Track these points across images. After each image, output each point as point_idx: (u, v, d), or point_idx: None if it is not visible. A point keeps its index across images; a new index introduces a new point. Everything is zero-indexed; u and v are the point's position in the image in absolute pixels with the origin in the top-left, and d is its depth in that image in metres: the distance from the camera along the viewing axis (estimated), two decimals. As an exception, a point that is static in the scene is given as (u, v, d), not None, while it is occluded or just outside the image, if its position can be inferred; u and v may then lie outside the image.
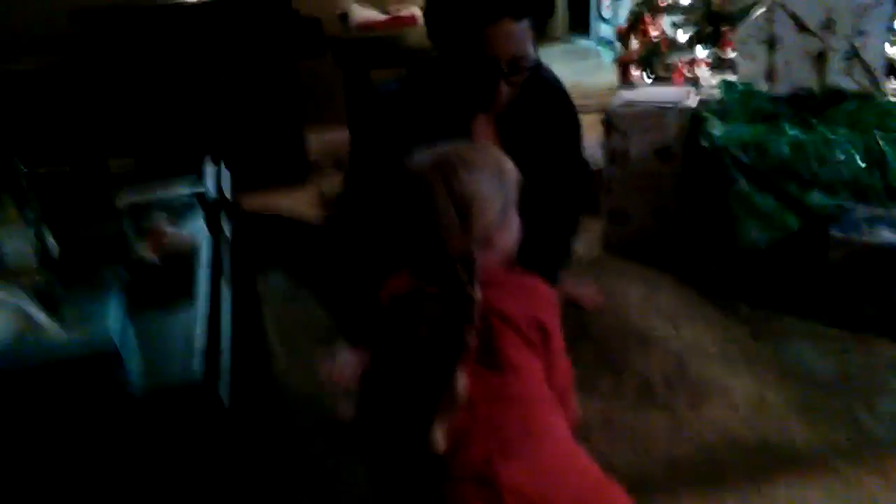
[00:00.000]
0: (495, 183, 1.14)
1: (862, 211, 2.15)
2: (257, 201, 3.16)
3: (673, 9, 3.43)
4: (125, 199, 1.59)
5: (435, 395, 1.05)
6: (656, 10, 3.52)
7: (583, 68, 4.86)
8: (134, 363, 1.08)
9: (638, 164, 2.55)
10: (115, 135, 3.01)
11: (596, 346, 2.05)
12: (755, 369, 1.93)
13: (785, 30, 2.49)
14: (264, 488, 1.45)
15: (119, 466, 1.03)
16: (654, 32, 3.55)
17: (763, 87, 2.54)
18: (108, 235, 1.44)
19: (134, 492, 1.04)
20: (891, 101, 2.40)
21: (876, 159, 2.20)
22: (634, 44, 3.69)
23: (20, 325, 1.08)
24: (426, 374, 1.07)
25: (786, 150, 2.24)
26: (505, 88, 1.59)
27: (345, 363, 1.84)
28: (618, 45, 4.04)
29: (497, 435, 1.10)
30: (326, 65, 3.55)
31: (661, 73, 3.46)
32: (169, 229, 1.45)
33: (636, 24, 3.65)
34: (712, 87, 2.75)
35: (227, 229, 1.61)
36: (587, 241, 2.58)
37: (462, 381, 1.06)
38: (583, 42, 5.80)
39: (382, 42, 3.46)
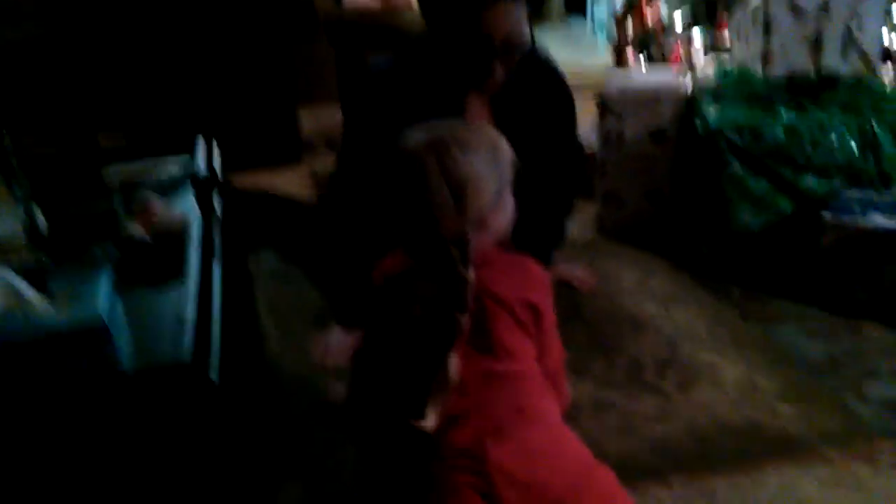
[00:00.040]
0: (490, 163, 1.13)
1: (855, 195, 2.15)
2: (249, 180, 3.14)
3: (669, -9, 3.42)
4: (116, 177, 1.58)
5: (427, 377, 1.05)
6: (653, -7, 3.51)
7: (578, 50, 4.84)
8: (123, 341, 1.07)
9: (632, 147, 2.54)
10: (106, 110, 2.97)
11: (588, 328, 2.05)
12: (746, 353, 1.94)
13: (781, 13, 2.47)
14: (254, 468, 1.45)
15: (107, 443, 1.03)
16: (650, 15, 3.53)
17: (758, 70, 2.53)
18: (98, 213, 1.43)
19: (122, 469, 1.04)
20: (886, 86, 2.39)
21: (870, 144, 2.20)
22: (630, 26, 3.68)
23: (9, 301, 1.07)
24: (419, 356, 1.06)
25: (780, 133, 2.23)
26: (499, 68, 1.58)
27: (337, 344, 1.84)
28: (613, 27, 4.02)
29: (488, 417, 1.10)
30: (319, 44, 3.52)
31: (657, 57, 3.45)
32: (159, 207, 1.44)
33: (632, 6, 3.63)
34: (708, 70, 2.74)
35: (217, 208, 1.60)
36: (581, 223, 2.58)
37: (454, 364, 1.05)
38: (579, 24, 5.78)
39: (376, 21, 3.43)
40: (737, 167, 2.27)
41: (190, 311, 1.17)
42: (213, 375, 1.09)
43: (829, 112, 2.27)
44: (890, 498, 1.47)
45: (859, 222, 2.06)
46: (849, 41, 2.46)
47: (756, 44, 2.55)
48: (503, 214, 1.17)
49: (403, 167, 1.12)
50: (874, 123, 2.20)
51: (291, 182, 3.19)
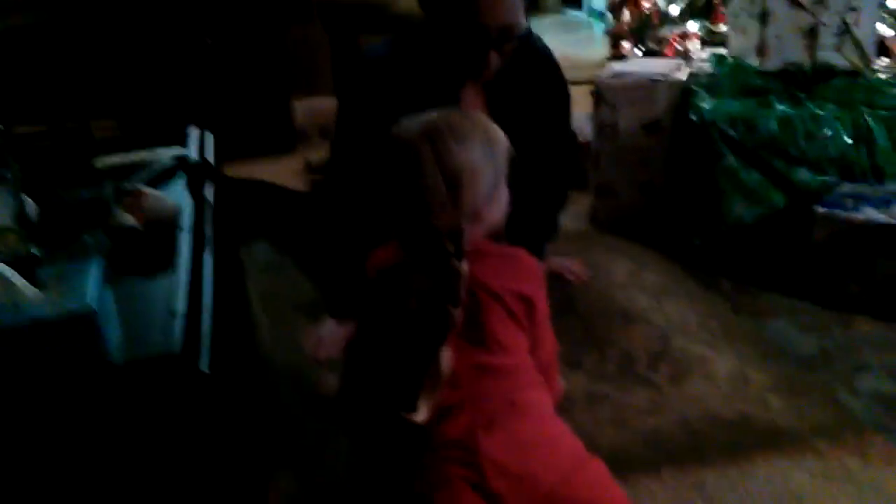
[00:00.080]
0: (486, 154, 1.12)
1: (847, 188, 2.15)
2: (243, 170, 3.12)
3: (665, -19, 3.40)
4: (106, 163, 1.56)
5: (419, 370, 1.04)
6: (648, -17, 3.49)
7: (574, 40, 4.82)
8: (113, 331, 1.06)
9: (626, 138, 2.54)
10: (98, 97, 2.95)
11: (581, 321, 2.05)
12: (737, 346, 1.94)
13: (777, 4, 2.46)
14: (245, 459, 1.45)
15: (97, 435, 1.02)
16: (646, 5, 3.52)
17: (754, 61, 2.52)
18: (89, 199, 1.42)
19: (111, 461, 1.03)
20: (880, 79, 2.39)
21: (863, 137, 2.20)
22: (626, 16, 3.66)
23: (-3, 289, 1.06)
24: (411, 349, 1.06)
25: (774, 125, 2.23)
26: (494, 57, 1.58)
27: (329, 335, 1.84)
28: (609, 17, 4.01)
29: (481, 409, 1.10)
30: (314, 31, 3.49)
31: (653, 47, 3.43)
32: (151, 194, 1.43)
33: (628, -4, 3.62)
34: (703, 61, 2.73)
35: (209, 196, 1.59)
36: (575, 215, 2.58)
37: (447, 357, 1.05)
38: (574, 14, 5.76)
39: (371, 7, 3.40)
40: (730, 159, 2.27)
41: (181, 302, 1.16)
42: (204, 367, 1.08)
43: (823, 104, 2.27)
44: (880, 490, 1.47)
45: (852, 216, 2.06)
46: (844, 33, 2.46)
47: (752, 35, 2.54)
48: (497, 206, 1.16)
49: (397, 156, 1.11)
50: (868, 117, 2.20)
51: (285, 172, 3.18)
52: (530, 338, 1.20)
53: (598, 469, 1.14)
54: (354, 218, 1.72)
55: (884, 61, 2.55)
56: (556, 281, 2.10)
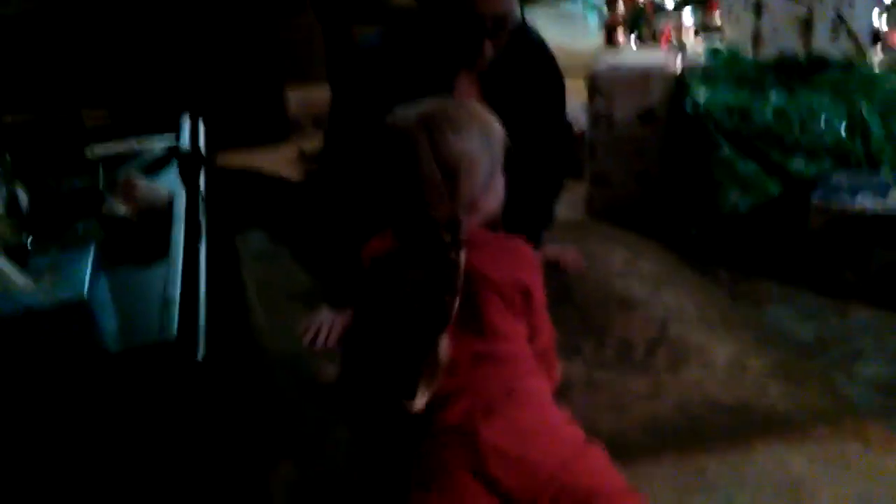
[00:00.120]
0: (482, 143, 1.11)
1: (843, 177, 2.15)
2: (237, 159, 3.11)
3: (660, -28, 3.39)
4: (99, 152, 1.55)
5: (417, 359, 1.04)
6: (643, -27, 3.48)
7: (568, 31, 4.80)
8: (107, 320, 1.06)
9: (622, 129, 2.53)
10: (89, 86, 2.93)
11: (578, 309, 2.05)
12: (735, 333, 1.94)
13: (771, -5, 2.46)
14: (245, 448, 1.44)
15: (92, 424, 1.01)
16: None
17: (749, 52, 2.52)
18: (81, 189, 1.41)
19: (107, 450, 1.02)
20: (875, 70, 2.39)
21: (858, 126, 2.20)
22: (621, 7, 3.65)
23: (-10, 279, 1.05)
24: (408, 339, 1.05)
25: (769, 116, 2.23)
26: (489, 46, 1.57)
27: (326, 324, 1.83)
28: (604, 8, 4.00)
29: (479, 396, 1.10)
30: (307, 21, 3.48)
31: (647, 37, 3.43)
32: (143, 183, 1.42)
33: (623, -13, 3.61)
34: (698, 51, 2.73)
35: (203, 185, 1.58)
36: (571, 204, 2.57)
37: (444, 346, 1.05)
38: (569, 5, 5.74)
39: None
40: (726, 149, 2.27)
41: (175, 290, 1.15)
42: (200, 355, 1.07)
43: (819, 95, 2.27)
44: (878, 475, 1.48)
45: (847, 205, 2.06)
46: (839, 24, 2.45)
47: (747, 25, 2.54)
48: (494, 195, 1.16)
49: (393, 145, 1.11)
50: (863, 106, 2.20)
51: (279, 161, 3.16)
52: (528, 326, 1.19)
53: (598, 456, 1.13)
54: (348, 207, 1.71)
55: (879, 52, 2.54)
56: (552, 270, 2.10)
